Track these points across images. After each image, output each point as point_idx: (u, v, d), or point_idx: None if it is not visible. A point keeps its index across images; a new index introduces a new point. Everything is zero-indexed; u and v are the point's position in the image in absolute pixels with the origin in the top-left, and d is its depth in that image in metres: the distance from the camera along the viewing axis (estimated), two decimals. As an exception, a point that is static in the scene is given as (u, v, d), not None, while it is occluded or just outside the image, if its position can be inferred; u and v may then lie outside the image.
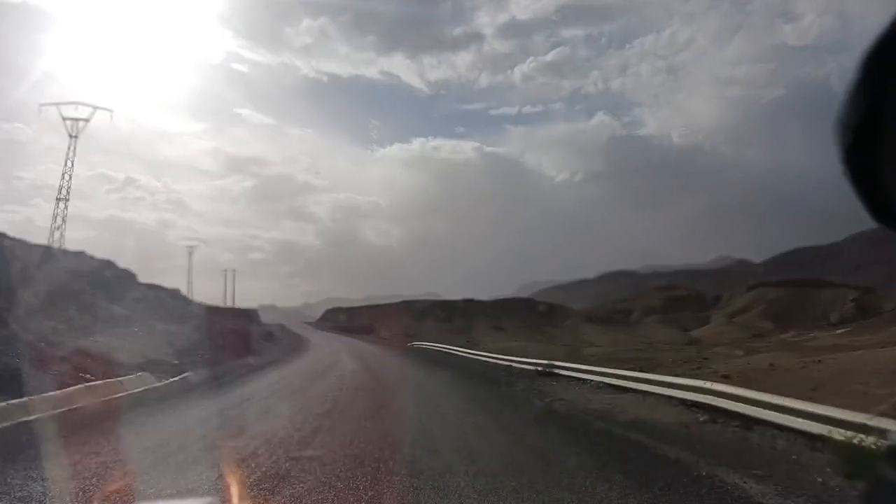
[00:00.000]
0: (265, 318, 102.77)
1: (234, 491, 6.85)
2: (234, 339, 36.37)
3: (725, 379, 24.04)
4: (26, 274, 30.18)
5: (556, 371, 23.33)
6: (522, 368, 26.77)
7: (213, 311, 57.51)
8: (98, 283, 36.37)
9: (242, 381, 20.69)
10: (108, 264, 44.23)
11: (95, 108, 60.40)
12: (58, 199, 59.07)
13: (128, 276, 44.36)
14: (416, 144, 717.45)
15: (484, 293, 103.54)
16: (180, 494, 6.63)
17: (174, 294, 50.27)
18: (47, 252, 39.37)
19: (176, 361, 23.54)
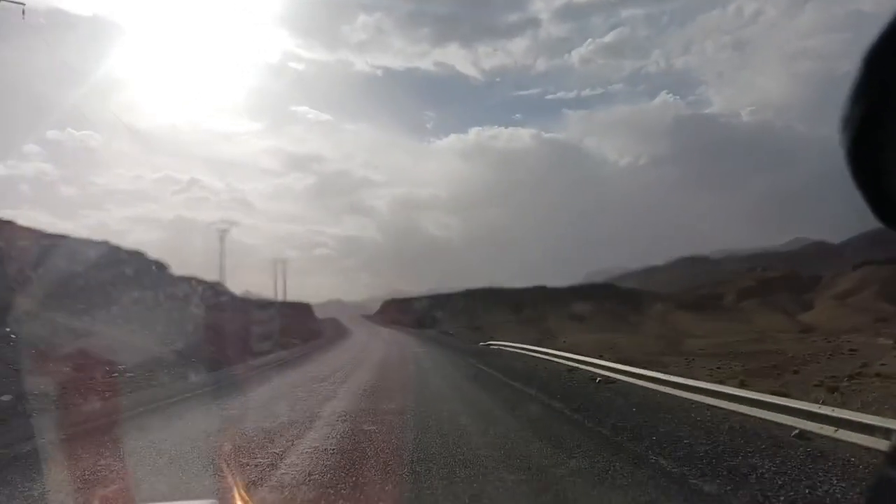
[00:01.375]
0: (328, 312, 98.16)
1: (235, 493, 5.88)
2: (244, 339, 30.72)
3: None
4: (24, 270, 26.15)
5: None
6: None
7: (258, 306, 52.59)
8: (119, 276, 31.47)
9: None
10: (137, 255, 39.63)
11: None
12: None
13: (158, 268, 39.23)
14: (473, 134, 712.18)
15: (549, 283, 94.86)
16: (181, 495, 6.16)
17: (213, 287, 45.04)
18: (64, 243, 34.60)
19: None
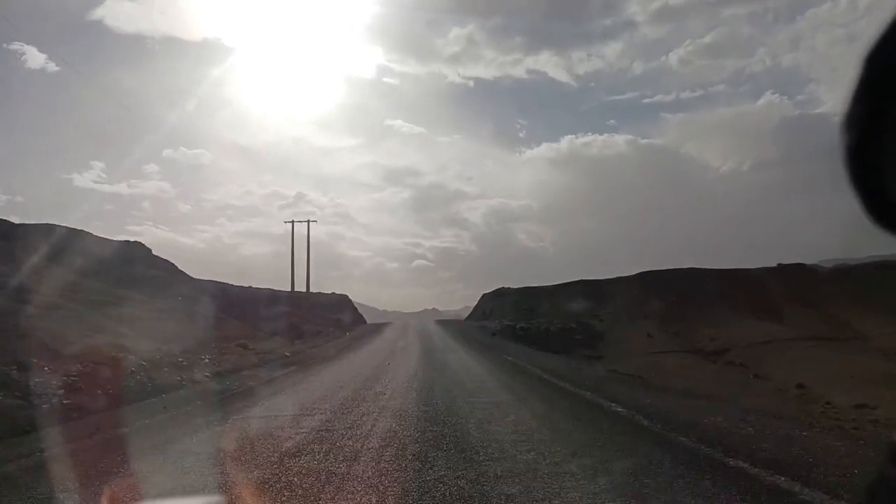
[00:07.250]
0: (423, 320, 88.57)
1: (240, 490, 6.07)
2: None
3: None
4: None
5: None
6: None
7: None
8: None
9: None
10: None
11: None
12: None
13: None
14: (565, 142, 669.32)
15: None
16: (183, 493, 6.11)
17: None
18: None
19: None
